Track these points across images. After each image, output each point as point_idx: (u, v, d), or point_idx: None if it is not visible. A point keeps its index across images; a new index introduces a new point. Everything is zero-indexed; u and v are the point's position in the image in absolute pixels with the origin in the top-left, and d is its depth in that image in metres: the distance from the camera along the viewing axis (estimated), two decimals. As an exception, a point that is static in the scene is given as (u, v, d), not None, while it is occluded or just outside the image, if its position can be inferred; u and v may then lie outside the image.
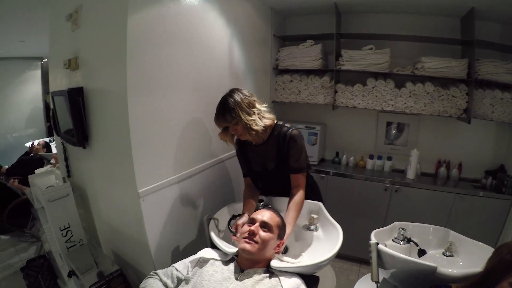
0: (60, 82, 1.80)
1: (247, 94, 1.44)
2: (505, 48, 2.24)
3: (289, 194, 1.50)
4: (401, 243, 1.56)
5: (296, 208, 1.43)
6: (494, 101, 2.20)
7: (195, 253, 1.27)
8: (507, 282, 0.96)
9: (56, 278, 2.22)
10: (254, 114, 1.42)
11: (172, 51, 1.44)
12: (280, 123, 1.53)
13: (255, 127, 1.40)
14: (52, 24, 1.86)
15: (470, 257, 1.45)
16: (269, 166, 1.55)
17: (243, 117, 1.38)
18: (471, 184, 2.40)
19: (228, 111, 1.38)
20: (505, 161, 2.42)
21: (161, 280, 1.16)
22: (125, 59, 1.20)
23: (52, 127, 2.06)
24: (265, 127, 1.45)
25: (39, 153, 3.37)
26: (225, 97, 1.42)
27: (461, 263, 1.46)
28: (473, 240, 1.49)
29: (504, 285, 0.97)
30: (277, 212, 1.31)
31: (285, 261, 1.22)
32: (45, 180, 2.03)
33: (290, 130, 1.48)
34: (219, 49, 1.86)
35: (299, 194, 1.46)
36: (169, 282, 1.15)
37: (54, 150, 3.42)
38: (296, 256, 1.35)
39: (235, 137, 1.54)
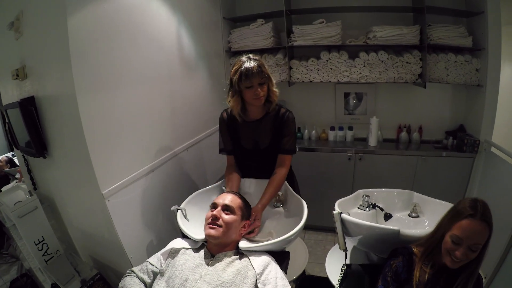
0: (12, 93, 1.73)
1: None
2: (457, 13, 2.29)
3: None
4: (367, 209, 1.60)
5: (276, 184, 1.48)
6: (448, 65, 2.27)
7: (169, 245, 1.29)
8: (448, 235, 1.00)
9: (41, 294, 2.19)
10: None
11: (117, 46, 1.42)
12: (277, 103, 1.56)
13: (275, 89, 1.45)
14: (-5, 35, 1.77)
15: (435, 216, 1.43)
16: (262, 144, 1.55)
17: (271, 75, 1.42)
18: (433, 146, 2.50)
19: (262, 66, 1.37)
20: (463, 121, 2.52)
21: (137, 276, 1.18)
22: (69, 60, 1.18)
23: (10, 142, 1.98)
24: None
25: (3, 169, 3.22)
26: (249, 57, 1.39)
27: (426, 223, 1.52)
28: (437, 200, 1.54)
29: (446, 239, 1.01)
30: (238, 194, 1.36)
31: (253, 241, 1.25)
32: (12, 197, 1.97)
33: (288, 112, 1.51)
34: (167, 38, 1.83)
35: (282, 172, 1.51)
36: (145, 277, 1.17)
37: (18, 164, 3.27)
38: (265, 235, 1.39)
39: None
